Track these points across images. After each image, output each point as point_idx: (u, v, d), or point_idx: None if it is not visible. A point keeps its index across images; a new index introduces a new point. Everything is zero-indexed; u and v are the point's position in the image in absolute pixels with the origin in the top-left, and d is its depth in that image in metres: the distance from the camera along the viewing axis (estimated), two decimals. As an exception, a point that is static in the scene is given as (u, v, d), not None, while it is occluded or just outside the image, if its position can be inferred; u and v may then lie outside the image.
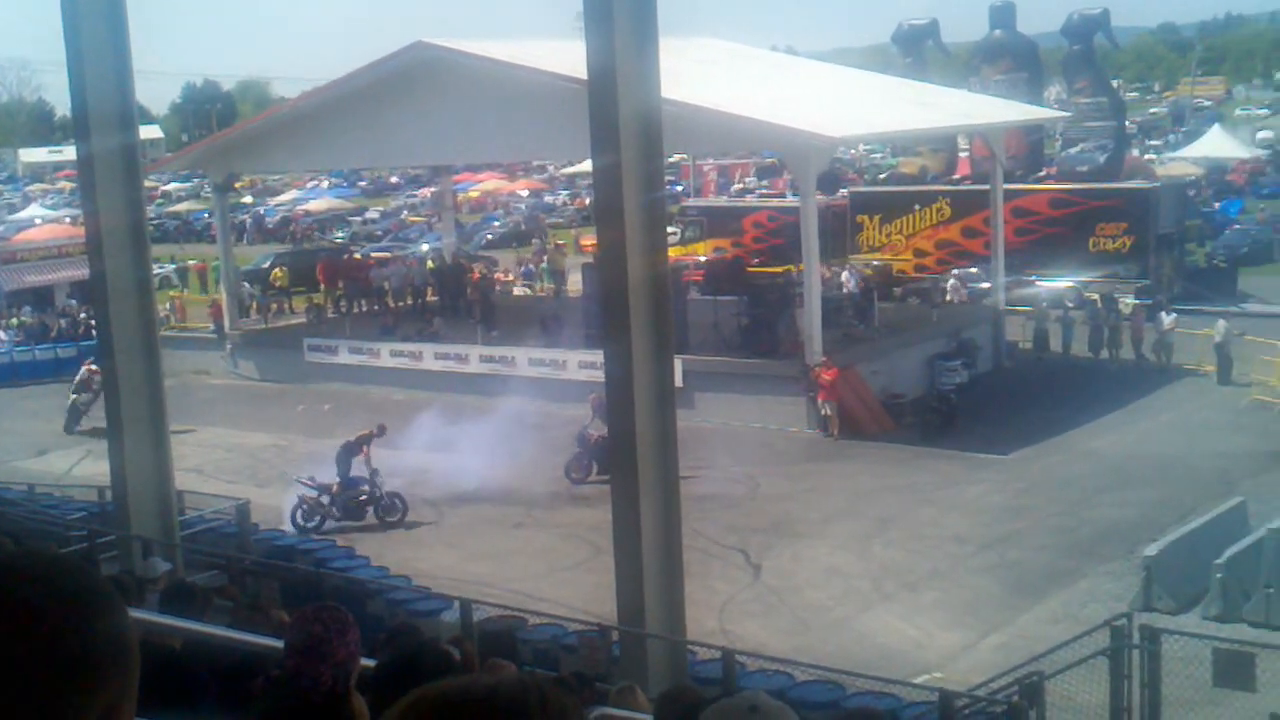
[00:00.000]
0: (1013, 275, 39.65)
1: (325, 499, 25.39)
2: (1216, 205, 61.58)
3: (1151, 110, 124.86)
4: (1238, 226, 55.32)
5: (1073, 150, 50.90)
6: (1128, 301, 38.66)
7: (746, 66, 40.72)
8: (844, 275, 38.55)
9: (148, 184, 18.66)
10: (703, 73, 34.32)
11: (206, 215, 75.16)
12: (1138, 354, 36.24)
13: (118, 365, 15.93)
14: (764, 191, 66.46)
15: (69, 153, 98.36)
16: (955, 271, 42.30)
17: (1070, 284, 41.25)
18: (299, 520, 25.19)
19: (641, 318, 13.57)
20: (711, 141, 38.22)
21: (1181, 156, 72.56)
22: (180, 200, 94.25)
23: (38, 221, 76.55)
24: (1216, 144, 73.31)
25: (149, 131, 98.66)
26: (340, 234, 75.12)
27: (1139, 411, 31.63)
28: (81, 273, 41.45)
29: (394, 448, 27.23)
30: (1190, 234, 49.71)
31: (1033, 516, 24.48)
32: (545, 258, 54.40)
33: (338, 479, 25.44)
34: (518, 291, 49.39)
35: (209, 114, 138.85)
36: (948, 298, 40.26)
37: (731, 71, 38.31)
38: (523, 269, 53.32)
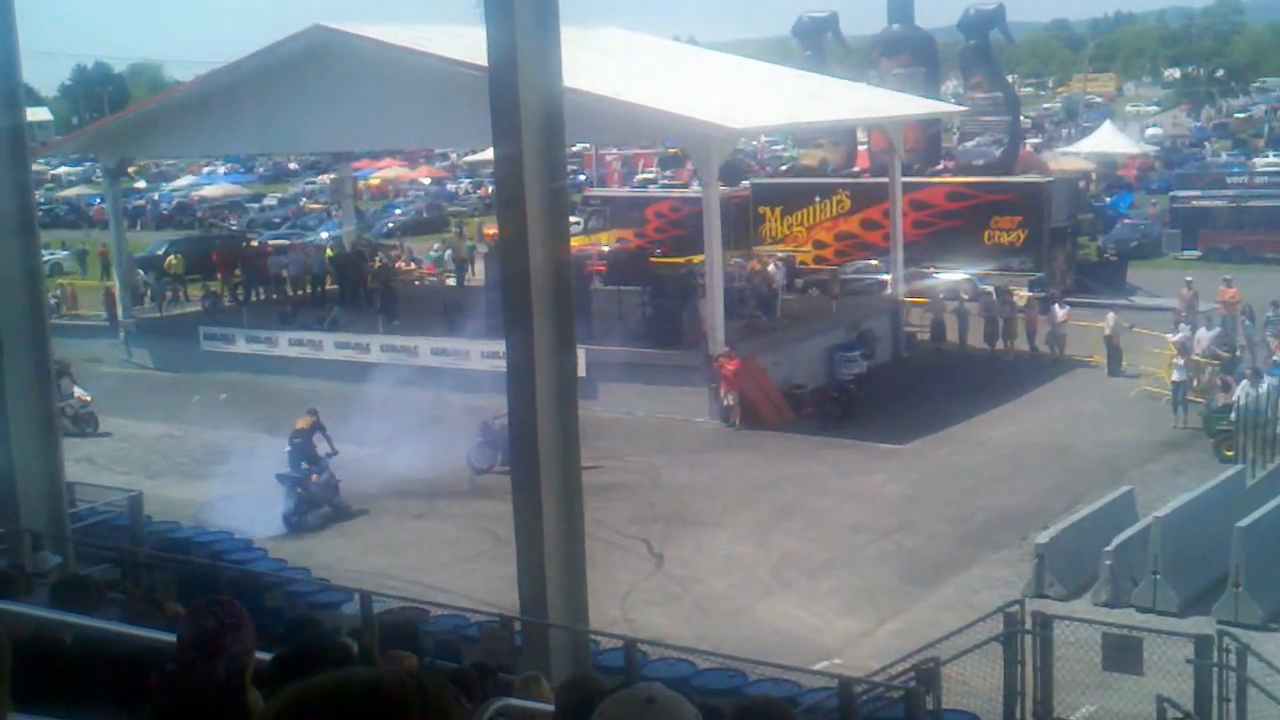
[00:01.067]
0: (910, 267, 40.04)
1: (308, 490, 25.00)
2: (1107, 200, 62.64)
3: (1045, 105, 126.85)
4: (1128, 221, 56.30)
5: (969, 144, 51.57)
6: (1023, 294, 39.19)
7: (649, 56, 40.72)
8: (771, 268, 38.69)
9: (36, 168, 18.25)
10: (605, 62, 34.24)
11: (98, 200, 73.85)
12: (1031, 345, 36.77)
13: (4, 355, 15.53)
14: (667, 181, 66.56)
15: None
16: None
17: (966, 276, 41.74)
18: (294, 519, 24.74)
19: (544, 307, 13.48)
20: (614, 131, 38.18)
21: (1074, 151, 73.65)
22: (71, 185, 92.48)
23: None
24: (1107, 139, 74.52)
25: (37, 114, 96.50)
26: (236, 222, 74.10)
27: (1032, 402, 32.12)
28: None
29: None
30: (1082, 228, 50.54)
31: (928, 505, 24.78)
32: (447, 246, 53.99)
33: (306, 467, 25.03)
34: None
35: (100, 96, 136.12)
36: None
37: (634, 61, 38.28)
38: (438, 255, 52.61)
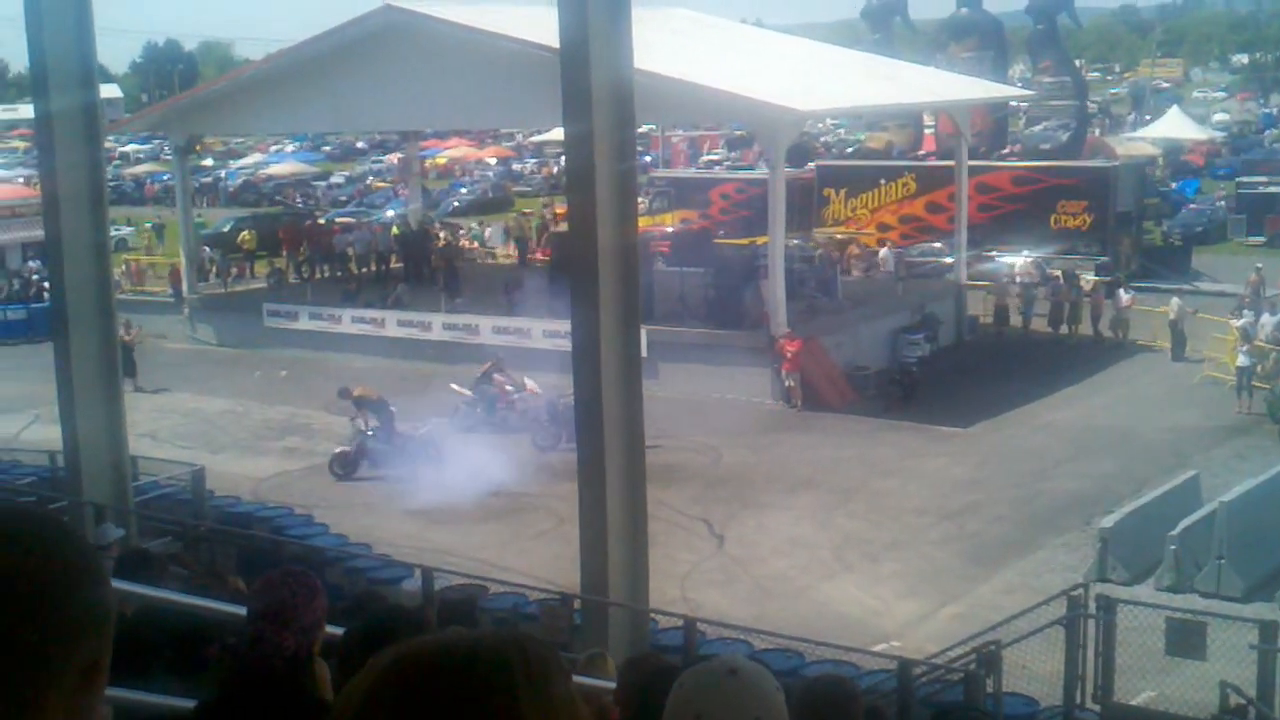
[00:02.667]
0: (975, 250, 39.73)
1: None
2: (1174, 185, 61.87)
3: (1112, 91, 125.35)
4: (1194, 206, 55.60)
5: (1036, 128, 51.08)
6: (1088, 278, 38.78)
7: (717, 39, 40.52)
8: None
9: (106, 145, 18.39)
10: (674, 44, 34.09)
11: (166, 178, 74.42)
12: (1095, 330, 36.40)
13: (71, 328, 15.65)
14: (733, 163, 66.33)
15: (24, 111, 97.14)
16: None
17: (1030, 260, 41.35)
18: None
19: (609, 287, 13.46)
20: (682, 113, 38.07)
21: (1140, 137, 72.77)
22: (139, 162, 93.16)
23: (-10, 180, 75.52)
24: (1174, 125, 73.57)
25: (108, 91, 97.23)
26: (303, 199, 74.51)
27: (1095, 386, 31.79)
28: (35, 233, 40.88)
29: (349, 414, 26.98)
30: (1148, 213, 49.95)
31: (991, 488, 24.57)
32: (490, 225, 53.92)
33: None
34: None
35: (170, 74, 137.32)
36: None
37: (702, 43, 38.10)
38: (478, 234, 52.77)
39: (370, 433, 26.00)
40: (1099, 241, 43.18)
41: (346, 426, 26.58)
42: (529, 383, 28.82)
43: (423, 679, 1.46)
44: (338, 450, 26.30)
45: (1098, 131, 66.40)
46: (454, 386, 29.33)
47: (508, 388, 29.03)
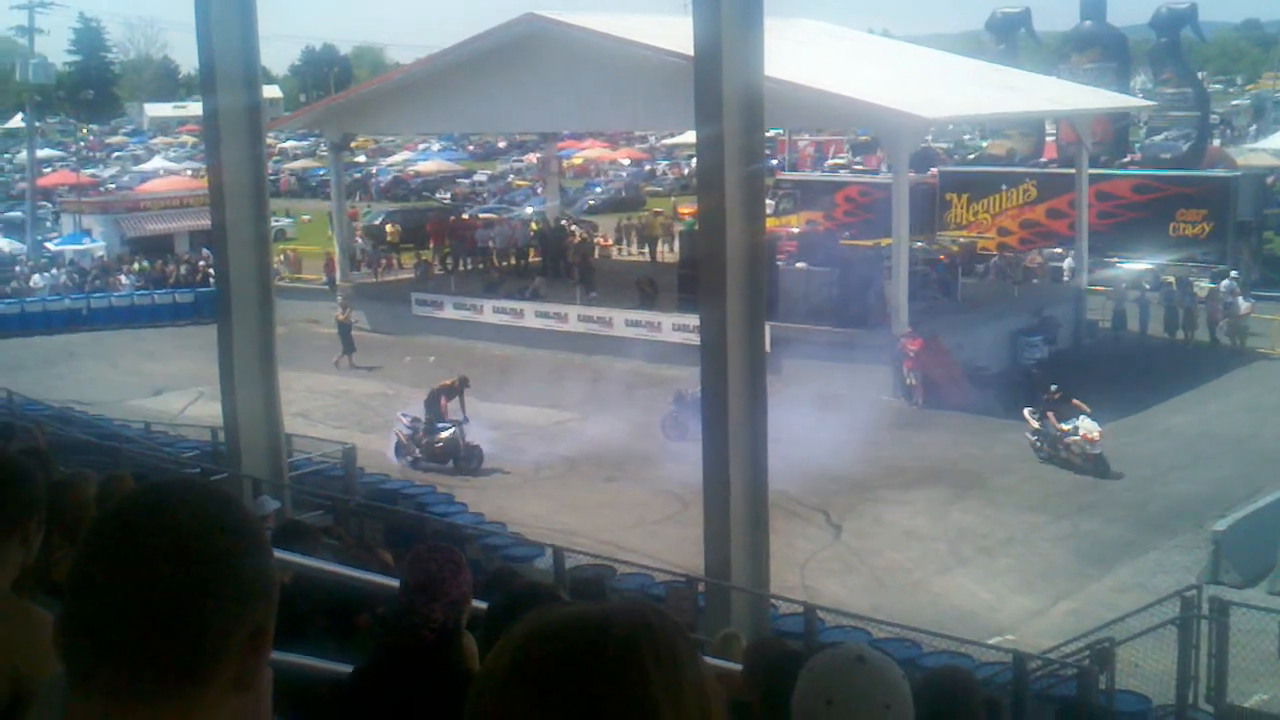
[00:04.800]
0: (1094, 257, 39.03)
1: (414, 437, 25.81)
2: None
3: (1233, 102, 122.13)
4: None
5: (1156, 138, 49.96)
6: (1203, 285, 37.81)
7: (844, 47, 40.30)
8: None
9: (267, 141, 18.66)
10: (803, 52, 33.93)
11: (321, 173, 75.72)
12: (1212, 336, 35.55)
13: (234, 312, 15.99)
14: (858, 167, 65.76)
15: (192, 108, 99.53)
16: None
17: (1149, 267, 40.48)
18: (394, 457, 25.73)
19: (737, 284, 13.43)
20: (809, 118, 37.91)
21: (1261, 148, 70.73)
22: (296, 158, 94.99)
23: (160, 173, 77.49)
24: (1297, 136, 71.40)
25: (269, 91, 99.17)
26: (448, 196, 75.41)
27: (1212, 392, 31.00)
28: (200, 223, 41.98)
29: (492, 401, 27.27)
30: (1268, 223, 48.58)
31: (1106, 489, 24.10)
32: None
33: (426, 419, 25.89)
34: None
35: (327, 77, 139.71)
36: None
37: (830, 51, 37.90)
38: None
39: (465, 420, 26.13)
40: (1218, 250, 42.13)
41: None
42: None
43: (554, 662, 1.44)
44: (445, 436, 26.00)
45: (1218, 142, 64.76)
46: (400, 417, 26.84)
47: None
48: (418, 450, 25.69)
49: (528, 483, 25.14)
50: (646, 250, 49.83)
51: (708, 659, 6.56)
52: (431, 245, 47.21)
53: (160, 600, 1.54)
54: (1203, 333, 35.65)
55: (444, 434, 25.65)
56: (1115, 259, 40.71)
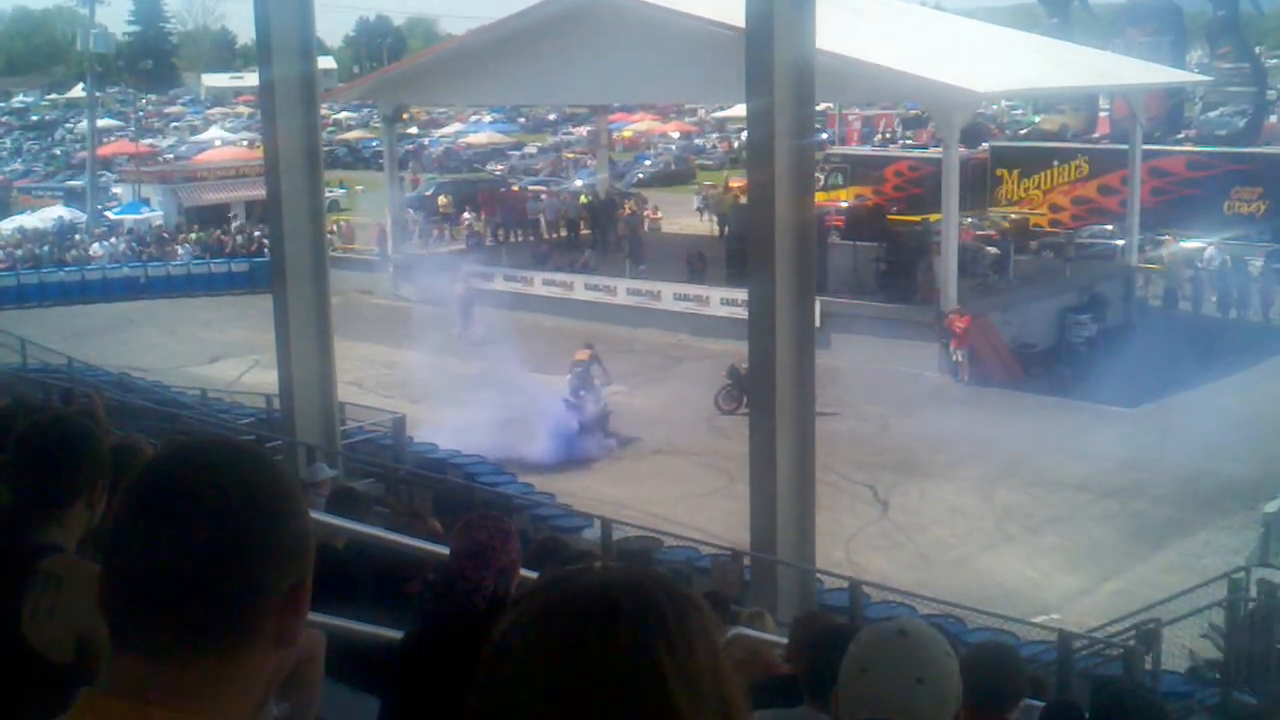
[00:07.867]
0: (1146, 234, 38.62)
1: (584, 417, 25.37)
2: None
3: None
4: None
5: (1212, 114, 49.35)
6: (1256, 264, 37.34)
7: (896, 20, 39.92)
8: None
9: (321, 112, 18.67)
10: (854, 24, 33.67)
11: (374, 144, 75.92)
12: (1265, 316, 35.12)
13: (289, 281, 16.13)
14: (908, 142, 65.27)
15: (249, 79, 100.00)
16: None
17: (1202, 245, 40.00)
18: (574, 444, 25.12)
19: (786, 258, 13.42)
20: (859, 91, 37.69)
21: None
22: (350, 129, 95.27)
23: (217, 143, 77.96)
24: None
25: (324, 62, 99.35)
26: (499, 167, 75.53)
27: (1264, 373, 30.61)
28: (256, 193, 42.25)
29: (544, 373, 27.32)
30: (1326, 201, 47.91)
31: (1155, 469, 23.89)
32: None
33: (583, 395, 25.54)
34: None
35: (380, 48, 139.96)
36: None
37: (881, 24, 37.57)
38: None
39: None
40: (1273, 228, 41.57)
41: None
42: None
43: (562, 631, 1.45)
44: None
45: (1275, 118, 63.82)
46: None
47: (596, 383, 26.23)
48: (600, 433, 25.34)
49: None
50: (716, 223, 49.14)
51: (745, 630, 6.59)
52: (482, 217, 47.29)
53: (196, 559, 1.56)
54: (1256, 312, 35.20)
55: (598, 404, 25.52)
56: (1170, 236, 40.25)
